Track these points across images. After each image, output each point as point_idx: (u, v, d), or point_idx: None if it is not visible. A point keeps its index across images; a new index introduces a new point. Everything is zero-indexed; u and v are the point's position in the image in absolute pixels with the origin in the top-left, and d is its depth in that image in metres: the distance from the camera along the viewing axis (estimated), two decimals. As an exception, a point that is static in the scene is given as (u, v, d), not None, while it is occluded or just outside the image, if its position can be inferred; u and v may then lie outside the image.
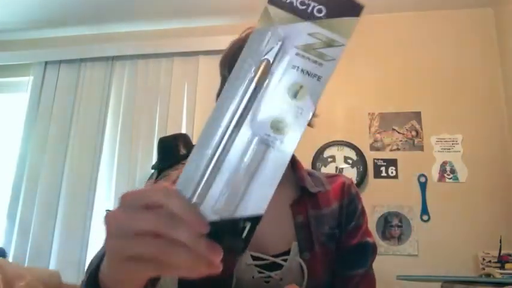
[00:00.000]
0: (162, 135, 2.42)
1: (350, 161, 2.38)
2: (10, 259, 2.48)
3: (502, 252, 1.96)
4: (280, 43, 0.38)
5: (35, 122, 2.75)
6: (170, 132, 2.48)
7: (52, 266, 2.47)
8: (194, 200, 0.35)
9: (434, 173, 2.31)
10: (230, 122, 0.37)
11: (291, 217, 0.76)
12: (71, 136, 2.69)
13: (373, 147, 2.40)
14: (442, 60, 2.45)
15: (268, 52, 0.38)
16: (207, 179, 0.35)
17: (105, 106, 2.72)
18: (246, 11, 2.30)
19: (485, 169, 2.26)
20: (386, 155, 2.38)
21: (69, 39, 2.91)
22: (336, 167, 2.37)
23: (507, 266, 1.89)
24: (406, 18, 2.55)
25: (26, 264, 2.48)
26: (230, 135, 0.36)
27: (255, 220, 0.35)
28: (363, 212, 0.82)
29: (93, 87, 2.76)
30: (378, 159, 2.38)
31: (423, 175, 2.31)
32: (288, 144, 0.37)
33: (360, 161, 2.37)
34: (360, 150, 2.38)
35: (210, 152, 0.36)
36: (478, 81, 2.39)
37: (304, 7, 0.39)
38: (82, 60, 2.82)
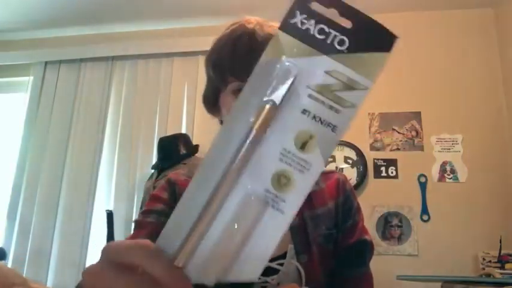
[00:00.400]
0: (162, 135, 2.42)
1: (350, 161, 2.38)
2: (10, 259, 2.48)
3: (502, 252, 1.96)
4: (290, 81, 0.31)
5: (35, 122, 2.75)
6: (170, 132, 2.48)
7: (52, 266, 2.47)
8: (178, 260, 0.30)
9: (434, 173, 2.31)
10: (225, 173, 0.31)
11: None
12: (71, 136, 2.69)
13: (373, 147, 2.40)
14: (442, 60, 2.45)
15: (274, 91, 0.31)
16: (195, 236, 0.31)
17: (105, 106, 2.72)
18: (246, 11, 2.29)
19: (485, 169, 2.26)
20: (386, 155, 2.38)
21: (69, 39, 2.91)
22: (336, 167, 2.37)
23: (507, 266, 1.89)
24: (406, 18, 2.55)
25: (26, 264, 2.48)
26: (224, 189, 0.31)
27: (247, 286, 0.31)
28: (359, 209, 0.79)
29: (93, 87, 2.76)
30: (378, 159, 2.38)
31: (423, 175, 2.31)
32: (290, 205, 0.31)
33: (360, 161, 2.37)
34: (360, 150, 2.38)
35: (200, 205, 0.31)
36: (478, 81, 2.39)
37: (323, 37, 0.32)
38: (82, 60, 2.82)
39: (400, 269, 2.07)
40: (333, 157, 2.40)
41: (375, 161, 2.38)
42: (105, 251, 0.32)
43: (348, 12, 0.32)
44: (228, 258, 0.31)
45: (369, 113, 2.44)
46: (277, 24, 0.73)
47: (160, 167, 2.22)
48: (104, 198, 2.57)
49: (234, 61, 0.67)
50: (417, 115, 2.40)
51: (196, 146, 2.32)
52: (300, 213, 0.74)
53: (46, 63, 2.85)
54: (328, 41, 0.32)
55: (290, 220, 0.31)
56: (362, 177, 2.34)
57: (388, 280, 1.97)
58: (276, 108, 0.31)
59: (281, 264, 0.70)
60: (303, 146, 0.31)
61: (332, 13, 0.32)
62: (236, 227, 0.31)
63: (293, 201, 0.31)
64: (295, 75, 0.31)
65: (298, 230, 0.73)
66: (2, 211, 2.65)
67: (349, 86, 0.32)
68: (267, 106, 0.31)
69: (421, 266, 2.17)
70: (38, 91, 2.81)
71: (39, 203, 2.59)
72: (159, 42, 2.71)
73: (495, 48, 2.41)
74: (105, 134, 2.69)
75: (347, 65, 0.32)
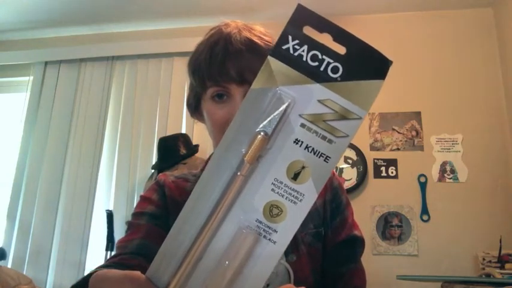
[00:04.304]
0: (162, 135, 2.42)
1: (350, 161, 2.38)
2: (10, 259, 2.48)
3: (502, 252, 1.96)
4: (282, 110, 0.30)
5: (35, 122, 2.75)
6: (170, 132, 2.48)
7: (52, 266, 2.47)
8: None
9: (434, 173, 2.31)
10: (216, 204, 0.30)
11: None
12: (71, 136, 2.69)
13: (373, 147, 2.40)
14: (442, 60, 2.45)
15: (266, 119, 0.30)
16: (185, 269, 0.30)
17: (105, 106, 2.72)
18: (246, 11, 2.30)
19: (485, 169, 2.26)
20: (386, 155, 2.38)
21: (69, 39, 2.91)
22: (336, 167, 2.37)
23: (507, 266, 1.89)
24: (406, 18, 2.55)
25: (26, 264, 2.48)
26: (215, 219, 0.30)
27: None
28: (348, 204, 0.78)
29: (93, 87, 2.76)
30: (378, 159, 2.38)
31: (423, 175, 2.31)
32: (283, 236, 0.31)
33: (360, 161, 2.37)
34: (360, 150, 2.38)
35: (189, 238, 0.30)
36: (478, 81, 2.39)
37: (316, 64, 0.31)
38: (82, 60, 2.82)
39: (400, 269, 2.08)
40: (333, 157, 2.39)
41: (375, 161, 2.38)
42: (94, 282, 0.32)
43: (342, 37, 0.31)
44: None
45: (369, 113, 2.44)
46: (260, 27, 0.73)
47: (160, 167, 2.22)
48: (104, 198, 2.57)
49: (211, 66, 0.67)
50: (417, 115, 2.40)
51: (196, 146, 2.32)
52: None
53: (46, 63, 2.85)
54: (322, 68, 0.31)
55: (282, 251, 0.31)
56: (362, 177, 2.34)
57: (388, 280, 1.97)
58: (267, 138, 0.30)
59: None
60: (295, 177, 0.31)
61: (325, 38, 0.32)
62: (228, 257, 0.30)
63: (285, 232, 0.31)
64: (288, 104, 0.31)
65: None
66: (2, 211, 2.65)
67: (343, 115, 0.31)
68: (259, 136, 0.30)
69: (421, 266, 2.17)
70: (38, 91, 2.81)
71: (39, 203, 2.59)
72: (159, 42, 2.71)
73: (495, 48, 2.41)
74: (105, 134, 2.69)
75: (340, 93, 0.31)
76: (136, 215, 0.73)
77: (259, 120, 0.31)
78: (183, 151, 2.24)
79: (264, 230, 0.31)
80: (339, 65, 0.31)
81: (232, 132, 0.31)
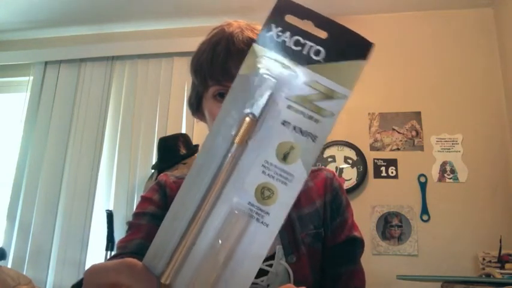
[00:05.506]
0: (162, 135, 2.42)
1: (350, 161, 2.38)
2: (10, 259, 2.48)
3: (502, 252, 1.96)
4: (268, 93, 0.31)
5: (35, 122, 2.75)
6: (170, 132, 2.48)
7: (52, 266, 2.47)
8: (165, 278, 0.30)
9: (434, 173, 2.31)
10: (208, 188, 0.31)
11: None
12: (71, 136, 2.69)
13: (373, 147, 2.40)
14: (442, 60, 2.45)
15: (254, 104, 0.31)
16: (180, 254, 0.30)
17: (105, 106, 2.72)
18: (246, 11, 2.30)
19: (485, 169, 2.26)
20: (386, 155, 2.38)
21: (69, 39, 2.91)
22: (336, 167, 2.37)
23: (507, 266, 1.89)
24: (406, 18, 2.55)
25: (26, 264, 2.48)
26: (207, 205, 0.31)
27: None
28: (347, 205, 0.78)
29: (93, 87, 2.76)
30: (378, 159, 2.38)
31: (423, 175, 2.31)
32: (275, 217, 0.31)
33: (360, 161, 2.37)
34: (360, 150, 2.38)
35: (184, 223, 0.31)
36: (478, 81, 2.39)
37: (299, 48, 0.32)
38: (82, 60, 2.82)
39: (400, 269, 2.07)
40: (333, 157, 2.40)
41: (375, 161, 2.38)
42: (90, 274, 0.32)
43: (323, 23, 0.32)
44: (214, 275, 0.30)
45: (369, 113, 2.44)
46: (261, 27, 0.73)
47: (160, 167, 2.22)
48: (104, 198, 2.57)
49: (213, 66, 0.67)
50: (417, 115, 2.40)
51: (197, 146, 2.32)
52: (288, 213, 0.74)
53: (46, 63, 2.85)
54: (305, 52, 0.32)
55: (275, 233, 0.31)
56: (362, 177, 2.34)
57: (388, 280, 1.97)
58: (255, 120, 0.31)
59: (270, 266, 0.70)
60: (284, 158, 0.31)
61: (307, 25, 0.33)
62: (221, 241, 0.30)
63: (277, 214, 0.31)
64: (274, 87, 0.31)
65: (286, 230, 0.72)
66: (2, 211, 2.65)
67: (328, 95, 0.31)
68: (247, 119, 0.31)
69: (421, 266, 2.17)
70: (38, 91, 2.81)
71: (39, 203, 2.59)
72: (159, 42, 2.71)
73: (495, 48, 2.41)
74: (105, 134, 2.69)
75: (324, 74, 0.32)
76: (137, 215, 0.73)
77: (247, 104, 0.31)
78: (183, 151, 2.24)
79: (256, 213, 0.31)
80: (321, 48, 0.32)
81: (222, 116, 0.32)
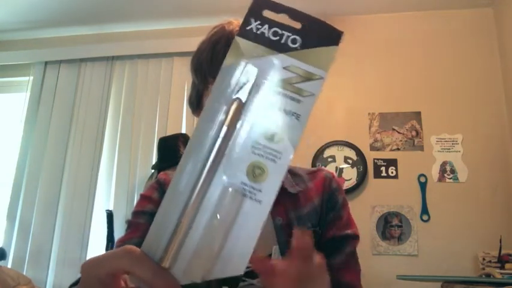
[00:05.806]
0: (162, 135, 2.42)
1: (350, 161, 2.38)
2: (10, 259, 2.48)
3: (502, 252, 1.96)
4: (253, 79, 0.34)
5: (35, 122, 2.75)
6: (170, 132, 2.48)
7: (52, 266, 2.47)
8: (165, 262, 0.31)
9: (434, 173, 2.31)
10: (201, 172, 0.32)
11: (270, 220, 0.73)
12: (71, 136, 2.69)
13: (373, 147, 2.40)
14: (442, 60, 2.45)
15: (240, 90, 0.34)
16: (178, 237, 0.31)
17: (105, 106, 2.72)
18: (246, 11, 2.30)
19: (485, 169, 2.26)
20: (386, 155, 2.38)
21: (69, 39, 2.91)
22: (336, 167, 2.37)
23: (507, 266, 1.89)
24: (406, 18, 2.55)
25: (26, 264, 2.48)
26: (201, 187, 0.32)
27: (234, 281, 0.31)
28: (344, 204, 0.78)
29: (93, 87, 2.76)
30: (378, 159, 2.38)
31: (423, 175, 2.31)
32: (267, 193, 0.33)
33: (360, 161, 2.37)
34: (360, 150, 2.38)
35: (180, 207, 0.32)
36: (477, 81, 2.39)
37: (277, 38, 0.35)
38: (82, 60, 2.82)
39: (400, 269, 2.07)
40: (333, 157, 2.40)
41: (375, 161, 2.38)
42: (88, 266, 0.32)
43: (297, 15, 0.36)
44: (212, 255, 0.32)
45: (369, 113, 2.44)
46: None
47: (160, 167, 2.22)
48: (104, 198, 2.57)
49: (213, 64, 0.68)
50: (417, 115, 2.40)
51: (196, 146, 2.32)
52: (286, 213, 0.74)
53: (46, 63, 2.85)
54: (282, 41, 0.35)
55: (269, 209, 0.33)
56: (362, 177, 2.34)
57: (388, 280, 1.97)
58: (242, 104, 0.34)
59: None
60: (272, 137, 0.34)
61: (283, 18, 0.37)
62: (217, 221, 0.32)
63: (269, 190, 0.33)
64: (257, 73, 0.34)
65: (283, 230, 0.73)
66: (2, 211, 2.65)
67: (306, 77, 0.35)
68: (235, 104, 0.34)
69: (421, 266, 2.17)
70: (38, 91, 2.81)
71: (39, 203, 2.59)
72: (159, 42, 2.71)
73: (495, 48, 2.41)
74: (105, 134, 2.69)
75: (301, 59, 0.35)
76: (136, 213, 0.73)
77: (233, 91, 0.34)
78: (183, 151, 2.22)
79: (249, 192, 0.33)
80: (297, 37, 0.35)
81: (211, 103, 0.34)
